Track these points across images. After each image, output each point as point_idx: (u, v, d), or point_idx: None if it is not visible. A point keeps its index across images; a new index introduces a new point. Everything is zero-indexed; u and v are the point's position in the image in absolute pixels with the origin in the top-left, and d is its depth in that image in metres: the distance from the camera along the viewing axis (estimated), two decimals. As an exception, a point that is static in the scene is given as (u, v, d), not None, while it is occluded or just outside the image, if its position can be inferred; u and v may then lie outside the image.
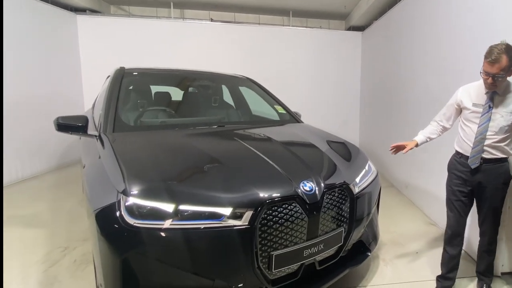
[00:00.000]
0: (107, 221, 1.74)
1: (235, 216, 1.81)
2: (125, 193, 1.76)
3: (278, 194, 1.92)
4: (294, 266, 2.02)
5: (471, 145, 2.26)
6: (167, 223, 1.71)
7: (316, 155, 2.53)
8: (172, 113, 3.37)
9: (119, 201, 1.74)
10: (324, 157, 2.48)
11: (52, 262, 2.85)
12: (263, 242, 1.85)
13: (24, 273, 2.70)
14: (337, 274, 2.29)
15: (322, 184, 2.10)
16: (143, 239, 1.70)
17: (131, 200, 1.74)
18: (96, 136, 2.59)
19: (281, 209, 1.90)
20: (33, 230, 3.43)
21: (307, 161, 2.31)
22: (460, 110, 2.39)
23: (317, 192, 2.05)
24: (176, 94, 3.53)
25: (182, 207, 1.76)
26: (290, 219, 1.91)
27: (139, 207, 1.74)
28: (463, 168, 2.34)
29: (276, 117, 3.55)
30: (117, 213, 1.71)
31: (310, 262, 2.08)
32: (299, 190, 1.98)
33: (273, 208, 1.88)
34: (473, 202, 2.41)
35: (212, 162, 2.15)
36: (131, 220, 1.70)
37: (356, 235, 2.36)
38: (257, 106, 3.66)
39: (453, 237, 2.45)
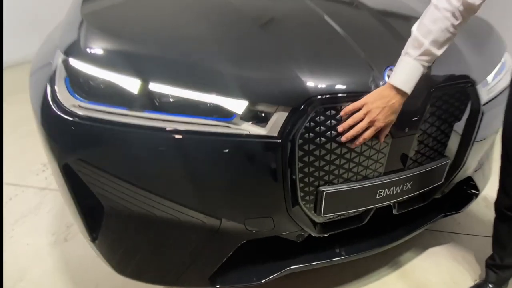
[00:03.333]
0: (38, 97, 1.06)
1: (256, 117, 1.01)
2: (70, 52, 1.04)
3: (342, 86, 1.04)
4: (357, 211, 1.23)
5: None
6: (133, 113, 0.98)
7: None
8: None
9: (56, 67, 1.03)
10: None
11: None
12: (306, 169, 1.06)
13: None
14: (423, 224, 1.48)
15: (427, 79, 1.13)
16: (90, 135, 1.00)
17: (78, 65, 1.01)
18: None
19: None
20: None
21: (404, 35, 1.32)
22: None
23: (415, 90, 1.11)
24: None
25: (161, 87, 0.99)
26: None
27: (91, 78, 1.00)
28: None
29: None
30: (48, 87, 1.02)
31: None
32: (381, 83, 1.07)
33: (328, 113, 1.03)
34: None
35: (237, 22, 1.26)
36: (70, 100, 0.99)
37: (466, 170, 1.45)
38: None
39: None
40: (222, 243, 1.15)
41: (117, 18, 1.25)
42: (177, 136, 0.98)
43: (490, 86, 1.35)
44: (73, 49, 1.05)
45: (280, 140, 0.99)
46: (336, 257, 1.29)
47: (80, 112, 0.98)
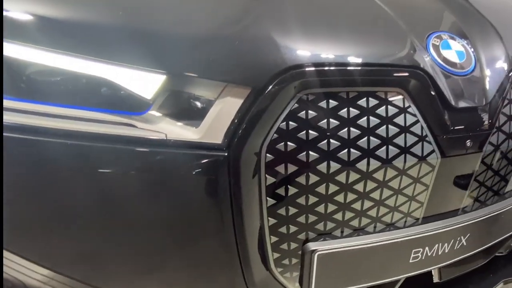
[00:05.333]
0: None
1: (182, 109, 0.55)
2: None
3: (352, 57, 0.58)
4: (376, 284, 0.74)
5: None
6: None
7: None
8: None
9: None
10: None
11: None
12: (282, 211, 0.60)
13: None
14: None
15: (504, 58, 0.70)
16: None
17: None
18: None
19: (354, 110, 0.57)
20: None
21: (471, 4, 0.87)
22: None
23: (484, 73, 0.68)
24: None
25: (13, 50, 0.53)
26: (381, 150, 0.60)
27: None
28: None
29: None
30: None
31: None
32: (426, 57, 0.61)
33: (324, 103, 0.56)
34: None
35: None
36: None
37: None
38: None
39: None
40: None
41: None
42: (49, 142, 0.53)
43: None
44: None
45: (226, 153, 0.51)
46: None
47: None
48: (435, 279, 0.87)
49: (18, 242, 0.58)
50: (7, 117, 0.53)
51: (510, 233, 0.86)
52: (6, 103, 0.54)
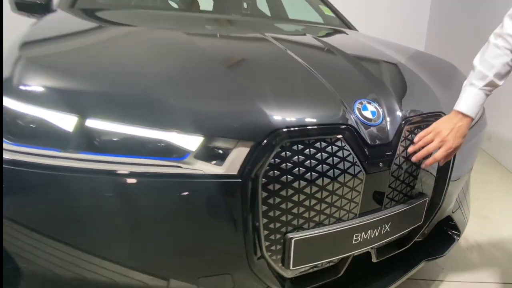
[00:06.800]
0: None
1: (212, 155, 0.87)
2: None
3: (310, 119, 0.93)
4: (332, 260, 1.07)
5: None
6: (68, 155, 0.82)
7: (391, 67, 1.44)
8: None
9: None
10: (407, 72, 1.39)
11: None
12: (272, 213, 0.92)
13: None
14: (405, 271, 1.31)
15: (400, 113, 1.07)
16: (13, 184, 0.83)
17: (6, 103, 0.85)
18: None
19: (313, 150, 0.92)
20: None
21: (374, 72, 1.26)
22: None
23: (387, 124, 1.03)
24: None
25: (101, 124, 0.84)
26: (330, 172, 0.94)
27: (18, 116, 0.85)
28: None
29: (321, 21, 2.43)
30: None
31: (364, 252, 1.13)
32: (353, 116, 0.97)
33: (295, 147, 0.91)
34: None
35: (200, 60, 1.15)
36: None
37: (445, 209, 1.35)
38: (297, 7, 2.55)
39: None
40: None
41: (55, 53, 1.11)
42: (119, 180, 0.83)
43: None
44: (6, 87, 0.90)
45: (240, 180, 0.85)
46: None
47: (6, 156, 0.81)
48: (374, 259, 1.19)
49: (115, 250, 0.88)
50: (96, 166, 0.82)
51: (417, 224, 1.21)
52: (91, 157, 0.83)
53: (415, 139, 1.07)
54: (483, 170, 2.95)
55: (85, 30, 1.40)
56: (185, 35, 1.37)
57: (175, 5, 2.34)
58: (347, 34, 2.04)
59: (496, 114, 3.19)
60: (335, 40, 1.73)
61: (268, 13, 2.61)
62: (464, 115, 1.07)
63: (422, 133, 1.08)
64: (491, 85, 1.07)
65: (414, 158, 1.06)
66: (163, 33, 1.44)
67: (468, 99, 1.08)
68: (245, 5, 2.58)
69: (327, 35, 1.94)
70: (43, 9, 1.73)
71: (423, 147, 1.06)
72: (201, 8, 2.27)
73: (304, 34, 1.82)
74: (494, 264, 1.81)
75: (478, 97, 1.07)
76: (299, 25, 2.19)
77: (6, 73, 0.95)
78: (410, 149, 1.06)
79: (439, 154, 1.06)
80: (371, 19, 4.95)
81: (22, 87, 0.89)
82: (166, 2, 2.39)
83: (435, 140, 1.05)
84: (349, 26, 2.40)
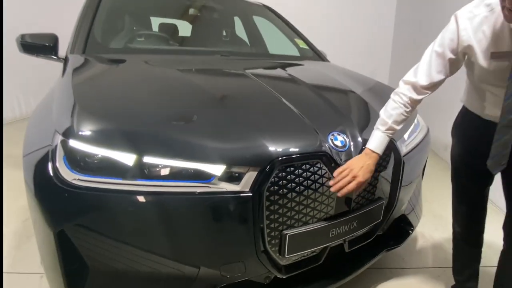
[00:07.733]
0: (38, 174, 1.20)
1: (231, 177, 1.22)
2: (68, 134, 1.19)
3: (297, 149, 1.31)
4: (315, 250, 1.45)
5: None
6: (127, 182, 1.15)
7: (351, 100, 1.86)
8: (168, 40, 2.70)
9: (56, 147, 1.18)
10: (362, 103, 1.81)
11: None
12: (272, 216, 1.28)
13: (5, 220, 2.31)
14: (371, 258, 1.72)
15: (360, 139, 1.46)
16: (89, 203, 1.15)
17: (75, 144, 1.17)
18: (63, 59, 1.99)
19: (300, 171, 1.29)
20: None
21: (340, 106, 1.65)
22: (460, 62, 1.35)
23: (352, 148, 1.42)
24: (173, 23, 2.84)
25: (150, 159, 1.18)
26: (313, 185, 1.31)
27: (87, 155, 1.16)
28: None
29: (297, 53, 2.85)
30: (50, 164, 1.15)
31: (338, 244, 1.50)
32: (327, 145, 1.36)
33: (288, 169, 1.27)
34: None
35: (207, 101, 1.53)
36: (70, 175, 1.14)
37: (399, 209, 1.75)
38: (275, 40, 2.95)
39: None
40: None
41: (104, 99, 1.45)
42: (166, 198, 1.17)
43: (407, 142, 1.71)
44: (69, 131, 1.20)
45: (251, 194, 1.21)
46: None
47: (79, 184, 1.13)
48: (346, 249, 1.56)
49: (162, 248, 1.21)
50: (147, 189, 1.15)
51: (377, 221, 1.59)
52: (145, 182, 1.16)
53: (334, 174, 1.31)
54: (440, 176, 3.43)
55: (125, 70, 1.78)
56: (197, 83, 1.71)
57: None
58: (318, 68, 2.47)
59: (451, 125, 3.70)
60: (309, 75, 2.13)
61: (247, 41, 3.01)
62: (373, 151, 1.37)
63: (339, 169, 1.31)
64: (391, 129, 1.38)
65: (333, 189, 1.30)
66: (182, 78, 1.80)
67: (375, 140, 1.38)
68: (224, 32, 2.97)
69: (302, 70, 2.35)
70: (50, 51, 2.01)
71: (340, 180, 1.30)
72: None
73: (283, 72, 2.21)
74: (445, 252, 2.26)
75: (382, 138, 1.38)
76: (278, 62, 2.57)
77: (67, 119, 1.25)
78: (331, 182, 1.31)
79: (351, 186, 1.29)
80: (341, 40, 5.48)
81: (82, 132, 1.19)
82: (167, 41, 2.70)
83: (349, 175, 1.29)
84: (322, 58, 2.83)
